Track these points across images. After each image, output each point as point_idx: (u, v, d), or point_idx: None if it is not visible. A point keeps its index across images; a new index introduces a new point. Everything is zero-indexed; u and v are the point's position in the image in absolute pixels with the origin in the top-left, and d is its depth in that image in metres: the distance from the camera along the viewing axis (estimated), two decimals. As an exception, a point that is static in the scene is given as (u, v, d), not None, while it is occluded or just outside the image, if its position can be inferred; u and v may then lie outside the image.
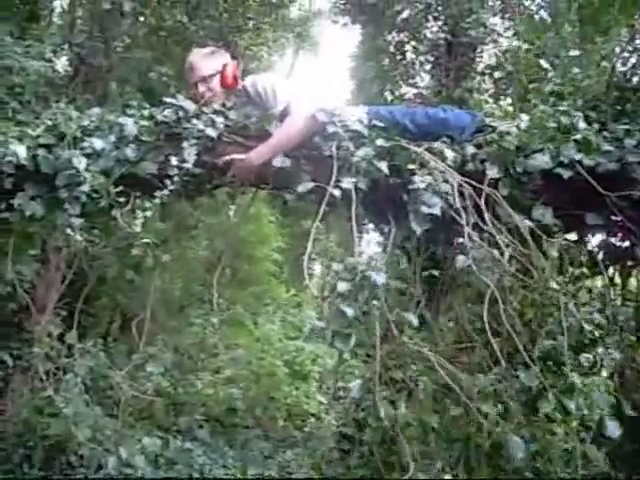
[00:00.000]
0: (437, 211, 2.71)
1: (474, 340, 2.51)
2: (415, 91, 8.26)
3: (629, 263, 3.26)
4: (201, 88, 3.23)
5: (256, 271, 12.07)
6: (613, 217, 2.93)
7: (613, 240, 3.14)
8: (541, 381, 2.27)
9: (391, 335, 2.42)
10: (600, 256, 3.12)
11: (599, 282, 3.22)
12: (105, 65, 7.81)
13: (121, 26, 8.18)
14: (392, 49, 8.75)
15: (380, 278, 2.39)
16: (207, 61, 3.30)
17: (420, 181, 2.75)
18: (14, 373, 7.82)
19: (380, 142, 2.94)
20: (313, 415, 10.84)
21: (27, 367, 7.25)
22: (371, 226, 3.31)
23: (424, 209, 2.70)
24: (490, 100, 8.07)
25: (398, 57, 8.65)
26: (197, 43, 8.78)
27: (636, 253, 2.99)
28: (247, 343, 10.80)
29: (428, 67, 8.42)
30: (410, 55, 8.59)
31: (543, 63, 4.63)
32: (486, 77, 8.10)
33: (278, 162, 2.98)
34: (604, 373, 2.84)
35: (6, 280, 5.76)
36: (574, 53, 3.85)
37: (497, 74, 8.14)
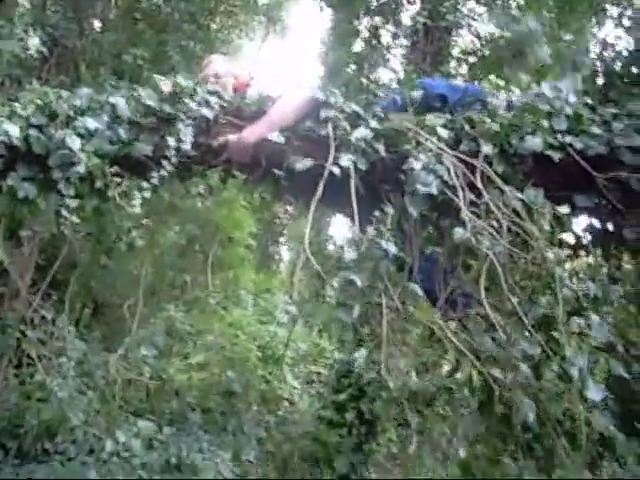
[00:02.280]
0: (434, 190, 2.73)
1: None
2: (391, 75, 8.28)
3: (612, 245, 3.33)
4: (212, 80, 3.39)
5: (229, 256, 11.99)
6: (600, 199, 3.01)
7: (597, 222, 3.22)
8: (544, 349, 2.33)
9: (394, 306, 2.45)
10: (587, 238, 3.19)
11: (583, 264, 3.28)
12: (78, 47, 7.66)
13: (94, 8, 8.01)
14: (367, 34, 8.76)
15: (391, 247, 2.43)
16: (226, 63, 3.59)
17: (415, 161, 2.77)
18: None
19: (374, 124, 2.96)
20: (286, 399, 10.86)
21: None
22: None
23: (420, 188, 2.72)
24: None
25: (373, 42, 8.66)
26: (170, 25, 8.69)
27: (622, 234, 3.06)
28: (220, 328, 10.73)
29: (404, 52, 8.44)
30: (386, 39, 8.60)
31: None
32: (462, 62, 8.15)
33: (273, 137, 2.97)
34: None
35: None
36: (568, 37, 3.88)
37: (471, 59, 8.20)
